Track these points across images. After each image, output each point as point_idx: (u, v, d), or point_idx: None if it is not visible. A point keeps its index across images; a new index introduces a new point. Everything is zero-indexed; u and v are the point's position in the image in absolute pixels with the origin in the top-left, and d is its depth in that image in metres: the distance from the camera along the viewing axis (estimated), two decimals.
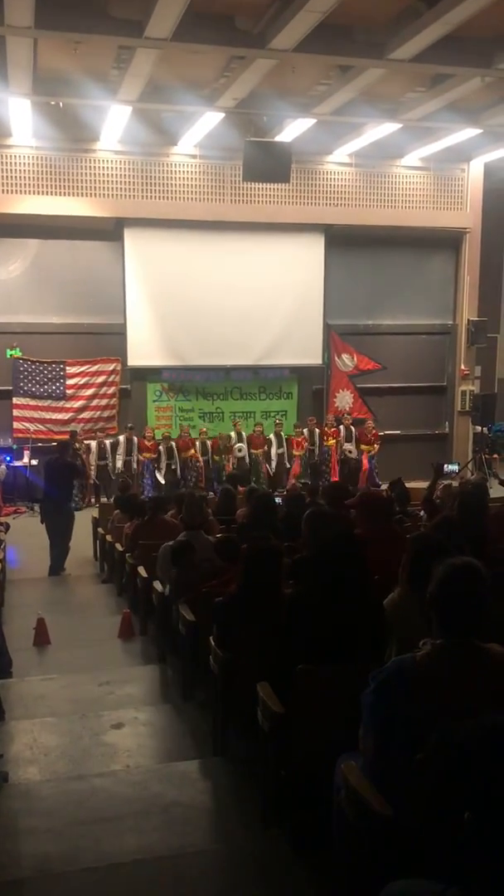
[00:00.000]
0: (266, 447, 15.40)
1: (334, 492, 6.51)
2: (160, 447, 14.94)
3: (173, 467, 14.85)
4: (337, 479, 14.84)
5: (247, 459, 15.19)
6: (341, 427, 15.75)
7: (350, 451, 15.64)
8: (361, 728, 2.51)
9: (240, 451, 15.21)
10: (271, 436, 15.54)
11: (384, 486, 11.53)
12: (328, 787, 2.75)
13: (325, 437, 15.65)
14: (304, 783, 3.09)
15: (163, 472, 14.82)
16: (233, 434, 15.34)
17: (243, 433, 15.39)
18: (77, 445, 13.64)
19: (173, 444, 14.96)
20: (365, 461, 15.59)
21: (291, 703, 3.13)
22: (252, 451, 15.31)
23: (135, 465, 14.74)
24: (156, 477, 14.77)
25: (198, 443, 15.11)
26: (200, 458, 14.98)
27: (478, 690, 2.36)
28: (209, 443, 15.17)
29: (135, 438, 14.86)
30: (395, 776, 2.31)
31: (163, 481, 14.60)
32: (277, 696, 3.25)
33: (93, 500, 14.26)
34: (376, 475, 15.45)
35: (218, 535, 6.21)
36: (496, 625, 2.60)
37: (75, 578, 9.72)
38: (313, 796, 2.92)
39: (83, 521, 11.59)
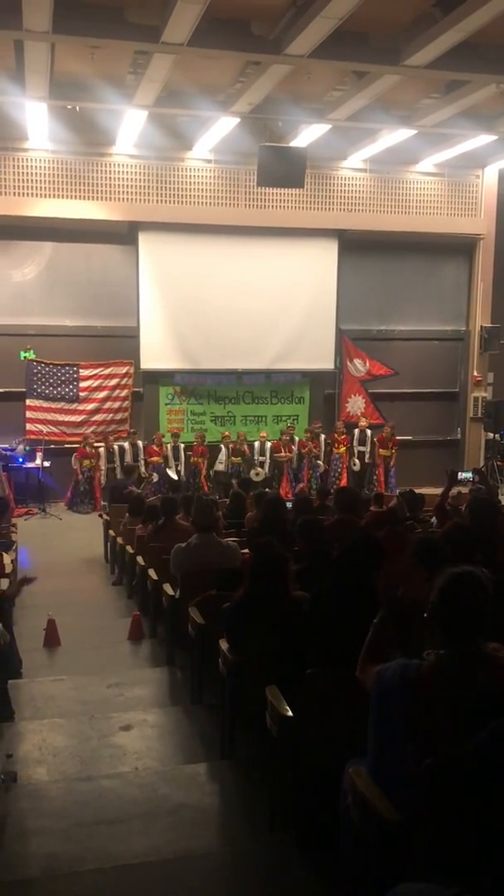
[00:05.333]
0: (291, 454, 15.31)
1: (346, 498, 6.51)
2: (168, 446, 14.95)
3: (179, 469, 14.87)
4: (346, 484, 14.77)
5: (266, 468, 15.14)
6: (356, 430, 15.71)
7: (361, 455, 15.56)
8: (368, 731, 2.51)
9: (261, 465, 15.14)
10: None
11: (396, 492, 11.53)
12: (336, 791, 2.75)
13: (335, 445, 15.61)
14: (311, 787, 3.09)
15: (173, 469, 14.84)
16: (256, 444, 15.30)
17: (267, 444, 15.33)
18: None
19: (181, 445, 14.98)
20: (381, 463, 15.54)
21: (300, 706, 3.13)
22: (276, 456, 15.23)
23: (143, 471, 14.70)
24: (168, 476, 14.75)
25: (222, 447, 15.06)
26: (204, 468, 14.96)
27: (481, 698, 2.34)
28: (230, 447, 15.15)
29: (139, 443, 14.87)
30: (401, 781, 2.31)
31: (175, 477, 14.61)
32: (286, 699, 3.25)
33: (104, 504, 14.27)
34: (394, 480, 15.39)
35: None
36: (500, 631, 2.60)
37: (86, 580, 9.75)
38: (321, 800, 2.92)
39: (95, 524, 11.65)
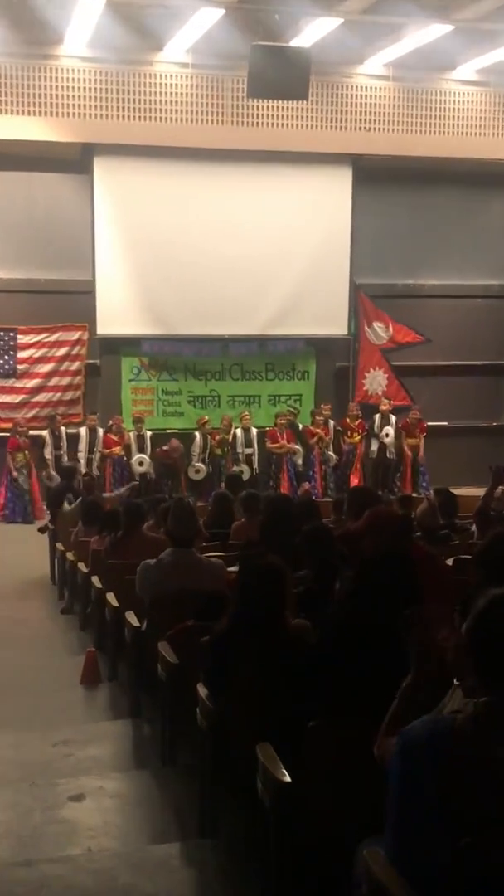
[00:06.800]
0: (292, 443, 15.31)
1: (362, 501, 6.48)
2: (131, 434, 14.97)
3: (142, 464, 14.84)
4: (360, 482, 14.81)
5: (255, 464, 15.16)
6: (376, 416, 15.72)
7: (386, 440, 15.53)
8: (387, 803, 2.50)
9: (246, 459, 15.13)
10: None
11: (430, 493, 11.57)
12: (346, 879, 2.75)
13: (348, 433, 15.61)
14: (315, 873, 3.10)
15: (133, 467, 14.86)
16: (238, 432, 15.31)
17: (253, 430, 15.36)
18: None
19: (147, 433, 14.98)
20: (407, 457, 15.57)
21: (301, 769, 3.13)
22: (274, 450, 15.27)
23: (96, 465, 14.68)
24: (130, 472, 14.75)
25: (198, 435, 15.10)
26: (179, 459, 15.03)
27: None
28: (209, 437, 15.16)
29: (100, 430, 14.87)
30: (429, 867, 2.31)
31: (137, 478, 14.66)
32: (283, 760, 3.25)
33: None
34: (425, 478, 15.43)
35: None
36: None
37: (26, 607, 9.75)
38: (327, 890, 2.92)
39: (39, 535, 11.62)
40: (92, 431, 14.88)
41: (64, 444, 14.73)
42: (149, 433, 15.11)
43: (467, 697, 2.62)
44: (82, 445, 14.77)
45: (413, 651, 2.93)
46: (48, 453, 14.64)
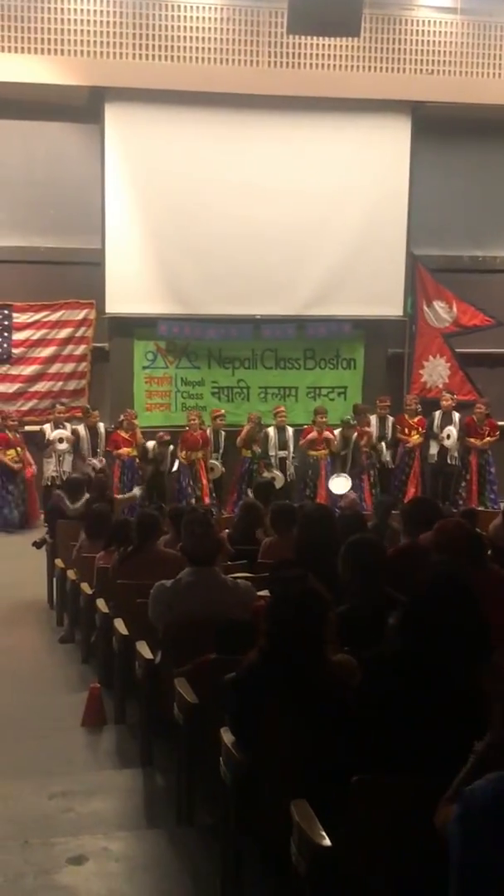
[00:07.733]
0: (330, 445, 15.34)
1: (421, 514, 6.47)
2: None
3: (162, 469, 14.88)
4: (417, 492, 14.76)
5: (290, 468, 15.18)
6: (436, 414, 15.65)
7: (447, 443, 15.46)
8: (450, 877, 2.50)
9: (280, 463, 15.16)
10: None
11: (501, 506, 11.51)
12: None
13: (405, 431, 15.55)
14: None
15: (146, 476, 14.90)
16: (271, 431, 15.32)
17: (289, 429, 15.37)
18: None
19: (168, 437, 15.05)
20: (474, 462, 15.49)
21: (343, 832, 3.13)
22: (310, 450, 15.30)
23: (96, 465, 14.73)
24: (142, 478, 14.80)
25: (209, 432, 15.14)
26: (204, 467, 15.01)
27: None
28: (228, 432, 15.17)
29: (100, 426, 14.92)
30: None
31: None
32: (322, 820, 3.25)
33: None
34: (494, 488, 15.35)
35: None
36: None
37: (18, 635, 9.79)
38: None
39: (34, 549, 11.68)
40: (92, 430, 14.90)
41: (79, 439, 14.74)
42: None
43: None
44: (84, 446, 14.77)
45: (496, 706, 2.91)
46: (63, 446, 14.56)
